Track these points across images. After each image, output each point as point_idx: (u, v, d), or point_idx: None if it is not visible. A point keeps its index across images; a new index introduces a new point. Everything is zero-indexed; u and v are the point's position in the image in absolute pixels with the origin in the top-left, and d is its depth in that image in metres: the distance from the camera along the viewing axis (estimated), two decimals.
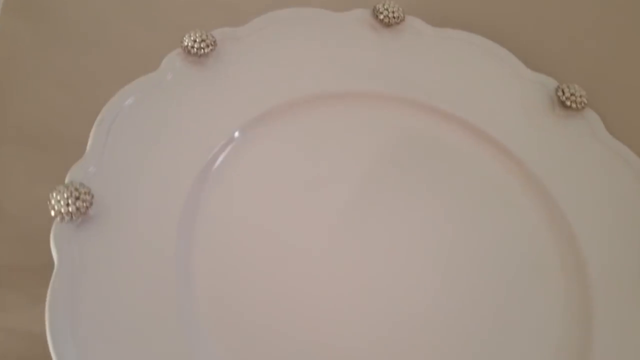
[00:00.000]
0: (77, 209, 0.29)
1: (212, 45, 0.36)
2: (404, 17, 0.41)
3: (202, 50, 0.36)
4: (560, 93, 0.41)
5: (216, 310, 0.31)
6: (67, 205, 0.29)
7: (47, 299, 0.27)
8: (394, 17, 0.41)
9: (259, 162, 0.36)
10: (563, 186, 0.39)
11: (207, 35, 0.36)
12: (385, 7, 0.41)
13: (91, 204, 0.29)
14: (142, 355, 0.28)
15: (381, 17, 0.41)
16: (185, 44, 0.36)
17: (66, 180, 0.30)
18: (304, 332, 0.31)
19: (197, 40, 0.36)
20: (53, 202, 0.29)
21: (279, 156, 0.36)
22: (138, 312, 0.29)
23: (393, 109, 0.40)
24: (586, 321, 0.35)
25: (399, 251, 0.35)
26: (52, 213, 0.29)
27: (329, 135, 0.38)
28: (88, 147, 0.32)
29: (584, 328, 0.34)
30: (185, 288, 0.30)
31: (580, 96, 0.40)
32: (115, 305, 0.29)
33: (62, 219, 0.29)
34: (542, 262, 0.37)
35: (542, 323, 0.34)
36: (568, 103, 0.40)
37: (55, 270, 0.28)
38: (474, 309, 0.34)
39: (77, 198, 0.29)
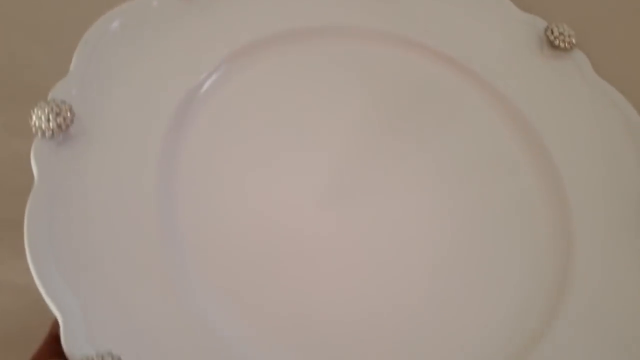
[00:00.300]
0: (58, 125, 0.29)
1: None
2: None
3: None
4: (549, 32, 0.40)
5: (197, 233, 0.31)
6: (48, 121, 0.29)
7: (26, 213, 0.28)
8: None
9: (248, 92, 0.36)
10: (550, 126, 0.39)
11: None
12: None
13: (72, 121, 0.29)
14: (122, 273, 0.28)
15: None
16: None
17: (48, 98, 0.30)
18: (287, 266, 0.32)
19: None
20: (34, 117, 0.29)
21: (268, 88, 0.36)
22: (117, 232, 0.29)
23: (382, 46, 0.39)
24: (569, 257, 0.35)
25: (386, 193, 0.35)
26: (33, 129, 0.29)
27: (317, 71, 0.38)
28: (71, 67, 0.31)
29: (567, 263, 0.35)
30: (166, 212, 0.30)
31: (569, 36, 0.40)
32: (94, 224, 0.29)
33: (43, 134, 0.29)
34: (527, 201, 0.37)
35: (527, 259, 0.35)
36: (557, 42, 0.40)
37: (34, 185, 0.28)
38: (463, 248, 0.34)
39: (58, 114, 0.29)
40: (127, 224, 0.29)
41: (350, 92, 0.37)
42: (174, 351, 0.27)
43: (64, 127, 0.29)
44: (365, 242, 0.33)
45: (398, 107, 0.38)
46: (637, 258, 0.35)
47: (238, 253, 0.31)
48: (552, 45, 0.40)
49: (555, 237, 0.36)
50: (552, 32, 0.40)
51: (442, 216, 0.35)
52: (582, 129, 0.39)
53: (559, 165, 0.38)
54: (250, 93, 0.36)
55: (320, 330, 0.30)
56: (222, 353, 0.28)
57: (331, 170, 0.35)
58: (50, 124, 0.29)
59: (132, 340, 0.27)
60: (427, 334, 0.31)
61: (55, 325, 0.27)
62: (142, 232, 0.29)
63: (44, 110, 0.29)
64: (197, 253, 0.30)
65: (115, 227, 0.29)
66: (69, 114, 0.29)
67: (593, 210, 0.36)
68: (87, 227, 0.28)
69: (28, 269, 0.27)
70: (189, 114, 0.33)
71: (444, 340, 0.31)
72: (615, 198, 0.37)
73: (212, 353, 0.28)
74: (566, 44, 0.40)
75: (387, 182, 0.35)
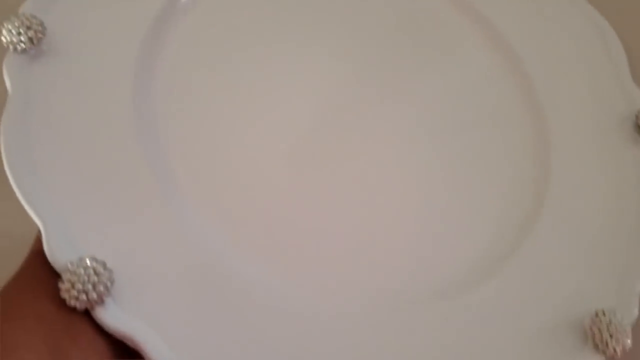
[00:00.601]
0: (29, 39, 0.29)
1: None
2: None
3: None
4: None
5: (176, 140, 0.31)
6: (19, 34, 0.29)
7: (2, 123, 0.27)
8: None
9: (229, 6, 0.35)
10: (525, 36, 0.39)
11: None
12: None
13: (44, 34, 0.29)
14: (102, 180, 0.28)
15: None
16: None
17: (19, 12, 0.30)
18: (262, 169, 0.32)
19: None
20: (4, 32, 0.29)
21: (250, 3, 0.36)
22: (95, 139, 0.29)
23: None
24: (545, 163, 0.35)
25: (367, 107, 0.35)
26: (4, 43, 0.29)
27: None
28: None
29: (544, 168, 0.35)
30: (144, 119, 0.30)
31: None
32: (71, 132, 0.29)
33: (15, 49, 0.29)
34: (504, 112, 0.37)
35: (508, 167, 0.35)
36: None
37: (8, 97, 0.28)
38: (446, 161, 0.35)
39: (29, 28, 0.29)
40: (104, 131, 0.29)
41: (335, 19, 0.37)
42: (158, 255, 0.27)
43: (35, 41, 0.29)
44: (354, 160, 0.34)
45: (383, 38, 0.38)
46: (610, 159, 0.36)
47: (221, 164, 0.31)
48: None
49: (533, 145, 0.36)
50: None
51: (424, 130, 0.35)
52: (558, 41, 0.39)
53: (532, 74, 0.38)
54: (231, 8, 0.35)
55: (308, 245, 0.31)
56: (204, 258, 0.28)
57: (316, 104, 0.34)
58: (22, 38, 0.29)
59: (115, 245, 0.27)
60: (417, 244, 0.32)
61: (38, 241, 0.27)
62: (120, 138, 0.29)
63: (14, 24, 0.29)
64: (176, 160, 0.30)
65: (93, 135, 0.29)
66: (40, 28, 0.29)
67: (569, 117, 0.37)
68: (64, 135, 0.28)
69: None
70: (168, 25, 0.33)
71: (434, 249, 0.32)
72: (586, 100, 0.38)
73: (193, 256, 0.28)
74: None
75: (369, 98, 0.35)
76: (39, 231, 0.27)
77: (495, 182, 0.35)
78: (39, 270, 0.26)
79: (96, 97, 0.30)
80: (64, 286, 0.25)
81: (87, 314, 0.25)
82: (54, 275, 0.25)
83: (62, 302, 0.25)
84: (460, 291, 0.31)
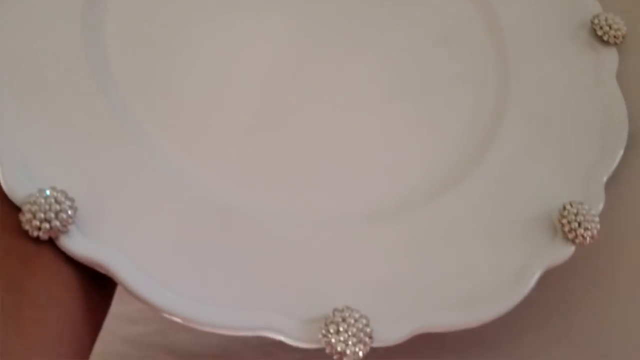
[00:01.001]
0: None
1: None
2: None
3: None
4: None
5: (126, 62, 0.31)
6: None
7: None
8: None
9: None
10: None
11: None
12: None
13: None
14: (54, 107, 0.28)
15: None
16: None
17: None
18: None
19: None
20: None
21: None
22: (44, 64, 0.29)
23: None
24: (505, 75, 0.36)
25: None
26: None
27: None
28: None
29: (505, 80, 0.36)
30: (93, 39, 0.30)
31: None
32: (21, 72, 0.28)
33: None
34: (460, 26, 0.37)
35: (470, 80, 0.35)
36: None
37: None
38: (409, 77, 0.35)
39: None
40: (56, 64, 0.29)
41: None
42: (118, 182, 0.27)
43: None
44: (319, 93, 0.33)
45: None
46: (570, 65, 0.36)
47: (180, 94, 0.31)
48: None
49: (494, 60, 0.36)
50: None
51: (387, 46, 0.35)
52: None
53: None
54: None
55: (274, 166, 0.31)
56: (163, 180, 0.28)
57: (281, 49, 0.34)
58: None
59: (75, 176, 0.26)
60: (382, 159, 0.32)
61: None
62: (72, 71, 0.29)
63: None
64: (129, 82, 0.30)
65: (45, 69, 0.28)
66: None
67: (526, 31, 0.37)
68: (15, 72, 0.28)
69: None
70: None
71: (399, 164, 0.32)
72: (547, 17, 0.38)
73: (152, 178, 0.28)
74: None
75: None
76: None
77: (458, 96, 0.35)
78: None
79: (44, 23, 0.29)
80: (24, 217, 0.24)
81: (49, 247, 0.25)
82: (10, 213, 0.25)
83: (19, 235, 0.24)
84: (427, 201, 0.31)
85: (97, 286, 0.26)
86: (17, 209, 0.25)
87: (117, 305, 0.28)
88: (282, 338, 0.25)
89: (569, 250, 0.30)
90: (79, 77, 0.29)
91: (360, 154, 0.32)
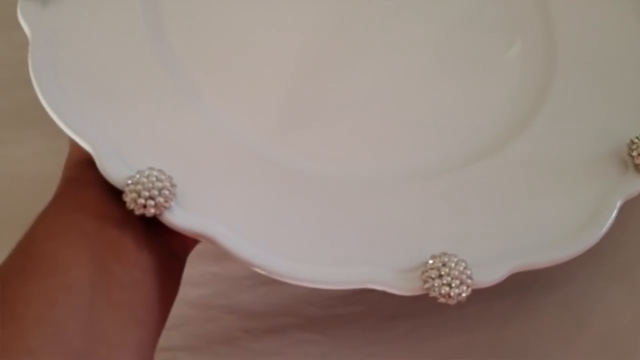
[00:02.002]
0: None
1: None
2: None
3: None
4: None
5: (189, 48, 0.32)
6: None
7: (30, 66, 0.28)
8: None
9: None
10: None
11: None
12: None
13: None
14: (133, 95, 0.29)
15: None
16: None
17: None
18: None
19: None
20: None
21: None
22: (119, 58, 0.30)
23: None
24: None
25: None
26: None
27: None
28: None
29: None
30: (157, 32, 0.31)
31: None
32: (95, 57, 0.30)
33: None
34: None
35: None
36: None
37: (30, 41, 0.28)
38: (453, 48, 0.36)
39: None
40: (125, 52, 0.30)
41: None
42: (203, 154, 0.28)
43: None
44: (361, 56, 0.35)
45: None
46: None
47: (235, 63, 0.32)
48: None
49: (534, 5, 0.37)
50: None
51: (429, 30, 0.36)
52: None
53: None
54: None
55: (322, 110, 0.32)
56: (242, 150, 0.29)
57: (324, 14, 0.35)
58: None
59: (163, 154, 0.27)
60: (440, 118, 0.33)
61: (67, 169, 0.28)
62: (140, 56, 0.30)
63: None
64: (194, 66, 0.32)
65: (116, 55, 0.30)
66: None
67: None
68: (89, 61, 0.29)
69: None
70: None
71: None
72: None
73: (230, 146, 0.29)
74: None
75: None
76: (67, 160, 0.28)
77: (509, 47, 0.36)
78: (74, 191, 0.27)
79: (112, 24, 0.30)
80: (129, 197, 0.25)
81: (130, 234, 0.26)
82: (98, 202, 0.26)
83: (104, 221, 0.25)
84: (496, 148, 0.32)
85: (169, 271, 0.27)
86: (105, 198, 0.26)
87: None
88: (386, 289, 0.26)
89: None
90: (151, 64, 0.30)
91: (428, 109, 0.33)
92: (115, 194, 0.26)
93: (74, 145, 0.28)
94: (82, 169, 0.27)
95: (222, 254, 0.26)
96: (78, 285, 0.23)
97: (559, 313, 0.34)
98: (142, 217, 0.25)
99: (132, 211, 0.25)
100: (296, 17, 0.35)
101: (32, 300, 0.22)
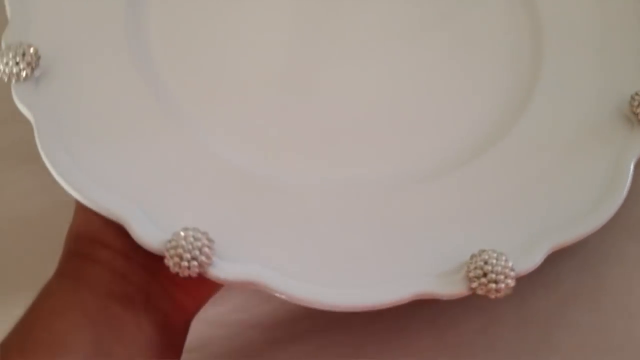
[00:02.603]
0: (28, 64, 0.29)
1: None
2: None
3: None
4: None
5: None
6: (17, 64, 0.29)
7: (41, 150, 0.28)
8: None
9: None
10: None
11: None
12: None
13: (37, 64, 0.29)
14: (146, 160, 0.29)
15: None
16: None
17: (2, 46, 0.30)
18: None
19: None
20: (1, 66, 0.29)
21: None
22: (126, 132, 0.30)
23: None
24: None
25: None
26: (5, 78, 0.29)
27: None
28: (9, 14, 0.31)
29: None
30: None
31: None
32: (106, 133, 0.30)
33: (18, 78, 0.29)
34: None
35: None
36: None
37: (35, 126, 0.28)
38: (433, 41, 0.36)
39: (24, 55, 0.29)
40: (128, 112, 0.30)
41: None
42: (223, 204, 0.29)
43: (34, 64, 0.29)
44: (344, 53, 0.35)
45: None
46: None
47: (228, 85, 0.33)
48: None
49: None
50: None
51: (414, 20, 0.36)
52: None
53: None
54: None
55: (307, 128, 0.32)
56: (257, 186, 0.30)
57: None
58: (21, 66, 0.29)
59: (192, 212, 0.28)
60: (431, 118, 0.33)
61: (71, 240, 0.28)
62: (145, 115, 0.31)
63: (8, 56, 0.29)
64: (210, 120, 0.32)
65: (120, 120, 0.30)
66: (31, 50, 0.29)
67: None
68: (96, 131, 0.29)
69: None
70: None
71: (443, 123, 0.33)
72: None
73: (246, 189, 0.29)
74: None
75: None
76: (70, 231, 0.28)
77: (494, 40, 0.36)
78: (77, 267, 0.27)
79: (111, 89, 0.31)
80: (172, 262, 0.25)
81: (133, 312, 0.26)
82: (92, 272, 0.27)
83: (106, 299, 0.26)
84: (500, 135, 0.33)
85: (169, 344, 0.28)
86: (108, 275, 0.27)
87: None
88: (435, 297, 0.27)
89: None
90: (156, 123, 0.31)
91: (424, 108, 0.33)
92: (120, 266, 0.27)
93: (79, 216, 0.28)
94: (85, 242, 0.28)
95: None
96: None
97: (580, 278, 0.34)
98: (144, 293, 0.27)
99: (176, 274, 0.26)
100: (280, 20, 0.35)
101: None
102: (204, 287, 0.29)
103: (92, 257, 0.27)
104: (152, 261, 0.26)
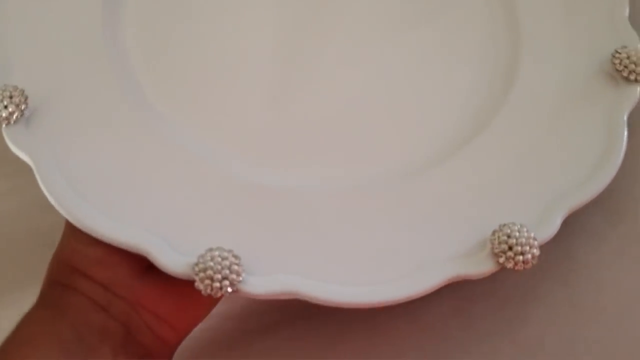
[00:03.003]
0: (17, 105, 0.28)
1: None
2: None
3: None
4: None
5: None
6: (6, 107, 0.28)
7: (44, 189, 0.27)
8: None
9: None
10: None
11: None
12: None
13: (26, 97, 0.29)
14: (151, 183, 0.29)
15: None
16: None
17: None
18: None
19: None
20: None
21: None
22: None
23: None
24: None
25: None
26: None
27: None
28: None
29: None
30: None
31: None
32: (103, 168, 0.29)
33: (8, 122, 0.28)
34: None
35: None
36: None
37: (34, 166, 0.28)
38: (410, 38, 0.36)
39: (11, 97, 0.28)
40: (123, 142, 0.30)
41: None
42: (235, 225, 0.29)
43: (22, 106, 0.28)
44: (324, 54, 0.35)
45: None
46: None
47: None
48: None
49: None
50: None
51: (390, 19, 0.36)
52: None
53: None
54: None
55: (291, 134, 0.32)
56: (269, 196, 0.30)
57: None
58: (10, 109, 0.28)
59: (214, 232, 0.28)
60: (403, 118, 0.33)
61: (51, 271, 0.28)
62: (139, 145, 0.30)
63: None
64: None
65: (118, 150, 0.30)
66: (17, 91, 0.28)
67: None
68: (96, 164, 0.29)
69: None
70: None
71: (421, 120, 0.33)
72: None
73: (257, 200, 0.29)
74: None
75: None
76: (54, 258, 0.28)
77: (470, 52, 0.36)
78: (58, 297, 0.27)
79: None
80: (202, 285, 0.25)
81: (103, 342, 0.26)
82: (72, 302, 0.26)
83: (84, 329, 0.26)
84: (494, 110, 0.33)
85: None
86: (87, 305, 0.26)
87: None
88: (467, 278, 0.27)
89: (636, 91, 0.32)
90: (154, 143, 0.30)
91: (410, 101, 0.34)
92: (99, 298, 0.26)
93: (64, 243, 0.28)
94: (67, 271, 0.27)
95: None
96: None
97: (551, 254, 0.33)
98: (124, 326, 0.26)
99: (209, 296, 0.25)
100: (262, 20, 0.35)
101: None
102: (185, 319, 0.28)
103: (73, 287, 0.27)
104: (133, 294, 0.27)
